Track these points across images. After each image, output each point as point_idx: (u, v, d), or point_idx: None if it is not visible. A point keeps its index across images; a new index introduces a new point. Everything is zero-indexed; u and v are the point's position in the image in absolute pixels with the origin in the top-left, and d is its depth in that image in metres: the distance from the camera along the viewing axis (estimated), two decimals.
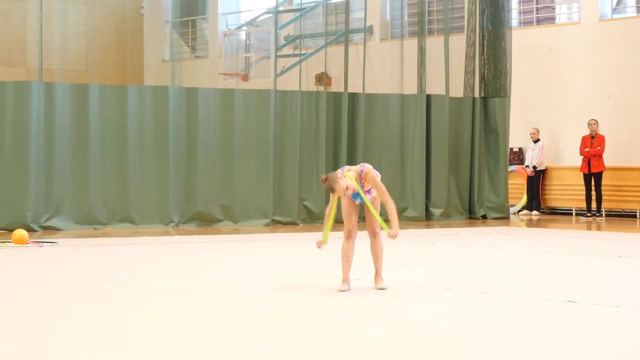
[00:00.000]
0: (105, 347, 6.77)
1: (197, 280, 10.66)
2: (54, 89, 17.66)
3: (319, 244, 9.60)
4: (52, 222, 17.41)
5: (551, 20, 23.85)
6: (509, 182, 21.80)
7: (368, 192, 9.49)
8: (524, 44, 22.88)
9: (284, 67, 25.69)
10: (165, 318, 8.06)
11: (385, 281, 9.68)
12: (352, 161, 19.69)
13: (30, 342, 6.91)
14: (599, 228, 19.41)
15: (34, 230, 16.85)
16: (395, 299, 9.15)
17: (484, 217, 21.15)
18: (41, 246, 14.26)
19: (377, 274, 9.71)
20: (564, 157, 22.97)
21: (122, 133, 18.01)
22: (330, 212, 9.58)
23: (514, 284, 10.41)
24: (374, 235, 9.61)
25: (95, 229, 17.48)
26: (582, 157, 21.69)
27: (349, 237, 9.59)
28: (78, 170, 17.68)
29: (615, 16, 22.63)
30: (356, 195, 9.46)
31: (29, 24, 29.05)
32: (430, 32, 23.88)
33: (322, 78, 25.42)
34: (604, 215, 21.78)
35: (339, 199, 9.55)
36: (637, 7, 22.58)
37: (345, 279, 9.62)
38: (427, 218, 20.64)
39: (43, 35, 19.33)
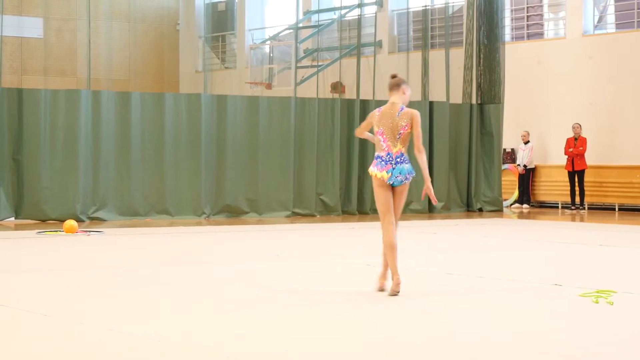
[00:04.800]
0: (145, 323, 6.77)
1: (227, 264, 10.66)
2: (100, 96, 17.68)
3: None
4: (99, 214, 17.43)
5: (540, 35, 23.75)
6: (503, 178, 21.74)
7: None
8: (515, 56, 22.80)
9: (303, 77, 25.66)
10: (199, 297, 8.05)
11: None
12: (363, 160, 19.70)
13: (77, 320, 6.92)
14: (582, 220, 19.34)
15: (82, 221, 16.88)
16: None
17: (480, 209, 21.09)
18: (89, 235, 14.29)
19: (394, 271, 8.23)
20: (551, 157, 22.88)
21: (159, 135, 18.01)
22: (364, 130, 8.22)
23: (507, 269, 10.38)
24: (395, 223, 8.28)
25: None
26: (566, 156, 21.62)
27: (391, 222, 8.16)
28: (121, 168, 17.70)
29: (596, 32, 22.52)
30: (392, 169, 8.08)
31: (79, 39, 29.11)
32: (433, 46, 23.82)
33: (337, 86, 25.38)
34: (586, 208, 21.69)
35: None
36: (616, 24, 22.47)
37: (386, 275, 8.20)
38: (430, 211, 20.60)
39: (91, 49, 19.37)
